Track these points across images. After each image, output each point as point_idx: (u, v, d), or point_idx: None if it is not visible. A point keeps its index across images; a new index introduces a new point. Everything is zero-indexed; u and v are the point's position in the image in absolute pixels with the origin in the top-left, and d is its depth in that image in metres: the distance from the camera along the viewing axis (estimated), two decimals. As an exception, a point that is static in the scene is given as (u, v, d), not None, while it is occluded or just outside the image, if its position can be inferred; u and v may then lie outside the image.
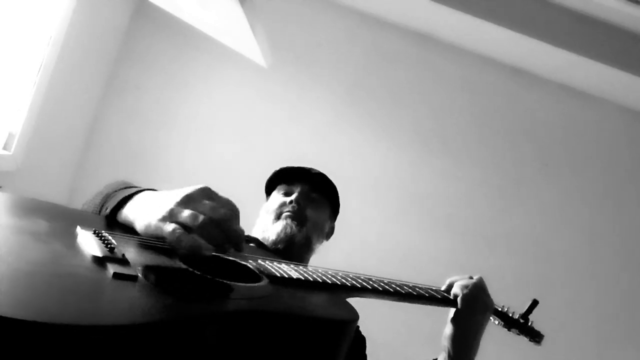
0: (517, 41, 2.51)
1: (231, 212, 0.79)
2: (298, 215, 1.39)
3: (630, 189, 2.83)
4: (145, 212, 0.83)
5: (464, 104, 2.85)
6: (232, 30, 1.88)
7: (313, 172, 1.50)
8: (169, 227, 0.76)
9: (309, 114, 2.81)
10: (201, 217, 0.76)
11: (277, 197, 1.47)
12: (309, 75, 2.81)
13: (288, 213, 1.39)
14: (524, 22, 2.45)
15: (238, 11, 1.59)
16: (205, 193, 0.81)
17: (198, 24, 2.12)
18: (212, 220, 0.76)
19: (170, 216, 0.77)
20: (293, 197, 1.42)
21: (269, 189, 1.54)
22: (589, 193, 2.83)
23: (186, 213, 0.77)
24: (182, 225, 0.76)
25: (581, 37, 2.48)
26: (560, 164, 2.84)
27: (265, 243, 1.38)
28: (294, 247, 1.35)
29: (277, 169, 1.53)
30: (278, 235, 1.36)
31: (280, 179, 1.51)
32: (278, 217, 1.40)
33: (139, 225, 0.82)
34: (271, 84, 2.78)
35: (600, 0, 2.35)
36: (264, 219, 1.43)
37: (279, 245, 1.35)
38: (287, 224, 1.37)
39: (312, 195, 1.46)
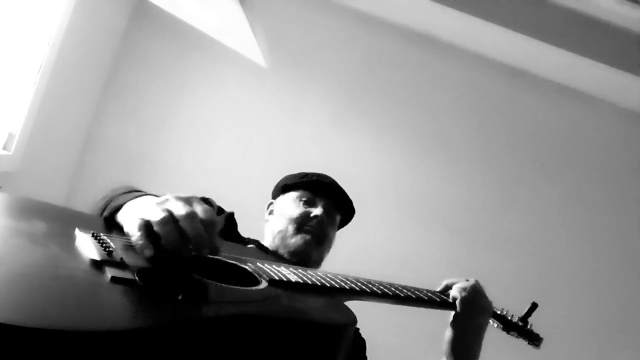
0: (515, 42, 2.51)
1: (202, 215, 0.79)
2: (320, 233, 1.38)
3: (629, 190, 2.83)
4: (130, 214, 0.85)
5: (462, 105, 2.84)
6: (232, 30, 1.88)
7: (341, 190, 1.49)
8: (135, 222, 0.78)
9: (308, 114, 2.80)
10: (162, 213, 0.77)
11: (298, 204, 1.43)
12: (308, 76, 2.81)
13: (311, 228, 1.38)
14: (523, 22, 2.45)
15: (238, 11, 1.59)
16: (185, 198, 0.81)
17: (198, 24, 2.12)
18: (170, 218, 0.77)
19: (142, 216, 0.79)
20: (319, 212, 1.40)
21: (287, 188, 1.50)
22: (588, 194, 2.83)
23: (154, 210, 0.78)
24: (146, 222, 0.78)
25: (580, 38, 2.48)
26: (559, 165, 2.84)
27: (280, 250, 1.37)
28: (308, 264, 1.34)
29: (307, 174, 1.50)
30: (298, 248, 1.35)
31: (304, 184, 1.48)
32: (300, 228, 1.38)
33: (125, 227, 0.84)
34: (270, 84, 2.78)
35: (599, 0, 2.35)
36: (283, 223, 1.41)
37: (295, 258, 1.34)
38: (308, 240, 1.36)
39: (333, 214, 1.45)
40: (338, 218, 1.49)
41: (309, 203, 1.43)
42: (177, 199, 0.80)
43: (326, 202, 1.44)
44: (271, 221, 1.47)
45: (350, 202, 1.50)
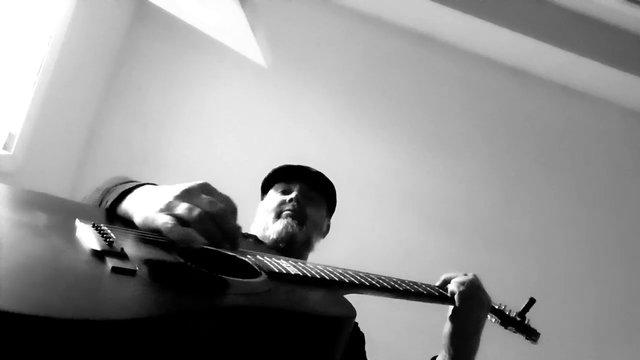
0: (516, 41, 2.52)
1: (228, 208, 0.79)
2: (298, 213, 1.39)
3: (629, 188, 2.84)
4: (143, 205, 0.83)
5: (463, 104, 2.85)
6: (233, 30, 1.88)
7: (311, 170, 1.50)
8: (164, 218, 0.77)
9: (308, 113, 2.81)
10: (197, 211, 0.76)
11: (276, 195, 1.46)
12: (309, 75, 2.82)
13: (288, 212, 1.39)
14: (523, 22, 2.46)
15: (238, 11, 1.60)
16: (205, 188, 0.81)
17: (198, 24, 2.12)
18: (207, 214, 0.76)
19: (167, 209, 0.78)
20: (293, 195, 1.42)
21: (266, 188, 1.53)
22: (588, 193, 2.83)
23: (182, 206, 0.77)
24: (178, 218, 0.76)
25: (580, 37, 2.48)
26: (559, 164, 2.84)
27: (266, 242, 1.37)
28: (294, 246, 1.35)
29: (275, 167, 1.52)
30: (279, 234, 1.35)
31: (278, 177, 1.50)
32: (278, 215, 1.40)
33: (137, 219, 0.83)
34: (271, 83, 2.78)
35: (600, 0, 2.36)
36: (263, 218, 1.43)
37: (280, 244, 1.34)
38: (288, 222, 1.36)
39: (310, 194, 1.46)
40: (322, 198, 1.49)
41: (285, 192, 1.45)
42: (198, 190, 0.80)
43: (301, 185, 1.45)
44: (255, 222, 1.48)
45: (324, 176, 1.51)
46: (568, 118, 2.86)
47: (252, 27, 1.73)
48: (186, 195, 0.79)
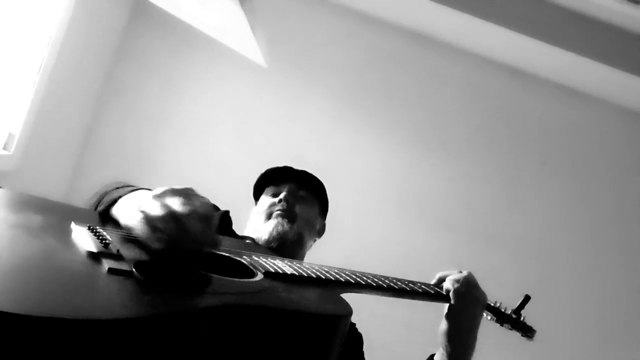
0: (516, 41, 2.51)
1: (202, 211, 0.79)
2: (288, 212, 1.41)
3: (629, 189, 2.83)
4: (127, 207, 0.86)
5: (463, 104, 2.85)
6: (232, 29, 1.88)
7: (297, 170, 1.52)
8: (137, 217, 0.79)
9: (308, 114, 2.81)
10: (162, 210, 0.78)
11: (266, 198, 1.49)
12: (309, 75, 2.81)
13: (278, 212, 1.41)
14: (523, 22, 2.45)
15: (238, 11, 1.60)
16: (183, 191, 0.82)
17: (197, 24, 2.12)
18: (170, 214, 0.77)
19: (140, 210, 0.80)
20: (281, 195, 1.44)
21: (258, 193, 1.56)
22: (588, 193, 2.83)
23: (152, 207, 0.79)
24: (147, 217, 0.78)
25: (580, 37, 2.48)
26: (559, 164, 2.84)
27: (259, 243, 1.39)
28: (286, 245, 1.37)
29: (262, 172, 1.55)
30: (270, 234, 1.37)
31: (267, 181, 1.53)
32: (268, 216, 1.42)
33: (122, 220, 0.85)
34: (270, 83, 2.78)
35: (600, 0, 2.35)
36: (255, 221, 1.45)
37: (272, 244, 1.36)
38: (278, 222, 1.39)
39: (299, 193, 1.48)
40: (313, 198, 1.51)
41: (275, 194, 1.48)
42: (175, 192, 0.81)
43: (290, 186, 1.48)
44: (248, 226, 1.50)
45: (310, 174, 1.53)
46: (568, 118, 2.85)
47: (252, 27, 1.74)
48: (160, 196, 0.81)
